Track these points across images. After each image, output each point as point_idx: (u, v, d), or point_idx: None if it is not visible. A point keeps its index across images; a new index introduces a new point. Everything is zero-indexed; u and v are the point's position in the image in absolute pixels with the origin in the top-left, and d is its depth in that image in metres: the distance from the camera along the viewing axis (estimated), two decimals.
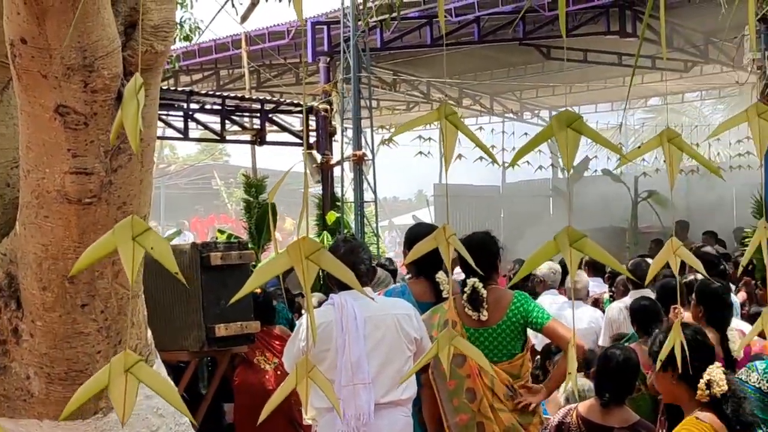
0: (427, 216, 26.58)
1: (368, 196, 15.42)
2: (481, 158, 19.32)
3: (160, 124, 13.57)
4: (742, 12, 2.00)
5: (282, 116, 15.63)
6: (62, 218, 2.55)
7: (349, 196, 15.29)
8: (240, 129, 15.45)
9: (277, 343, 7.20)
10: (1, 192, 2.90)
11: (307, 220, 1.39)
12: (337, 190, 15.24)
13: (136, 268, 1.31)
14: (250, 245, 10.64)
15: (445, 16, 13.99)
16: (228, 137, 15.45)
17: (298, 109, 15.36)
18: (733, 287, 8.35)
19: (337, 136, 15.30)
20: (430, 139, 22.46)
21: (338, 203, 14.95)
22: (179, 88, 16.63)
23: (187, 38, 11.93)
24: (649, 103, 29.41)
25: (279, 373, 7.03)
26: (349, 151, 15.09)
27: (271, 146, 15.87)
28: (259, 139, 15.09)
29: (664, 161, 1.42)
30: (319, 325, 4.49)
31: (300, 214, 1.34)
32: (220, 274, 6.57)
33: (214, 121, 15.37)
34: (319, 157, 14.80)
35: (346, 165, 15.28)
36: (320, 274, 1.50)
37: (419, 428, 5.02)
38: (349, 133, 15.15)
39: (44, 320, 2.70)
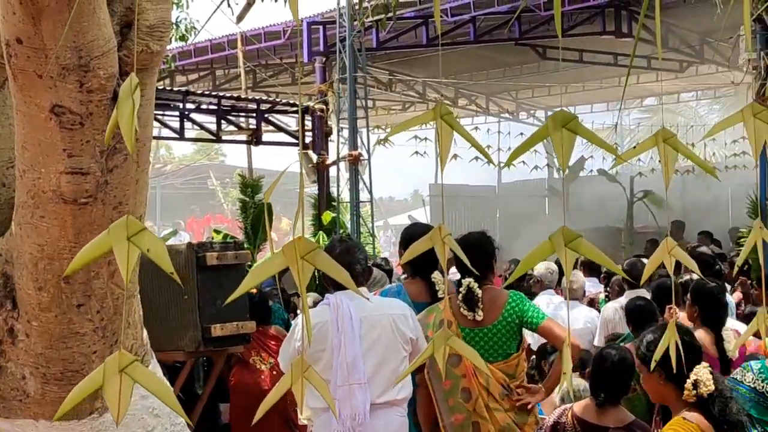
0: (422, 216, 26.58)
1: (364, 196, 15.41)
2: (476, 158, 19.28)
3: (155, 124, 13.54)
4: (738, 12, 2.00)
5: (278, 116, 15.59)
6: (58, 218, 2.54)
7: (345, 196, 15.28)
8: (236, 129, 15.41)
9: (273, 343, 7.19)
10: None
11: (303, 220, 1.39)
12: (333, 190, 15.22)
13: (132, 269, 1.31)
14: (246, 245, 10.63)
15: (441, 16, 13.98)
16: (224, 137, 15.41)
17: (294, 109, 15.33)
18: (728, 287, 8.36)
19: (333, 136, 15.28)
20: (426, 139, 22.43)
21: (334, 203, 14.94)
22: (175, 88, 16.60)
23: (183, 38, 11.93)
24: (645, 103, 29.47)
25: (275, 373, 7.02)
26: (345, 151, 15.07)
27: (267, 146, 15.83)
28: (255, 139, 15.05)
29: (660, 161, 1.42)
30: (315, 325, 4.49)
31: (296, 214, 1.35)
32: (216, 274, 6.56)
33: (210, 121, 15.32)
34: (315, 157, 14.78)
35: (342, 165, 15.27)
36: (316, 274, 1.50)
37: (414, 428, 5.02)
38: (345, 133, 15.13)
39: (40, 320, 2.70)
